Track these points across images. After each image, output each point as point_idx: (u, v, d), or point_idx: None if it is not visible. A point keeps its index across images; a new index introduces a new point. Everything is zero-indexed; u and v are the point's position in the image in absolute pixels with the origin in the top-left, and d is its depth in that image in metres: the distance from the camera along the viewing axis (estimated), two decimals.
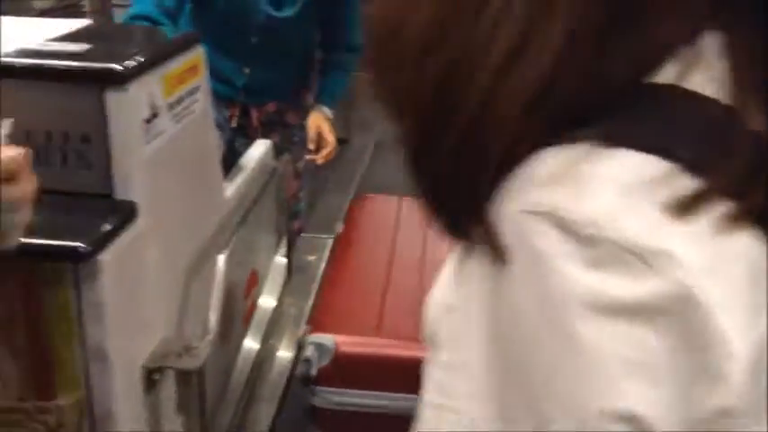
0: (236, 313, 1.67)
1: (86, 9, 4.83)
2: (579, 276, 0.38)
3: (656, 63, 0.44)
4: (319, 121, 2.30)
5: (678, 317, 0.37)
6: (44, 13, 4.39)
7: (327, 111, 2.34)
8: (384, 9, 0.48)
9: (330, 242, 2.39)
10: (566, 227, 0.38)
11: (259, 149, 1.96)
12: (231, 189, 1.67)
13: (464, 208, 0.45)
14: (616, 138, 0.41)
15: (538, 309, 0.39)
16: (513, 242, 0.40)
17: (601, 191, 0.39)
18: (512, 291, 0.40)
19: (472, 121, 0.43)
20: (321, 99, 2.37)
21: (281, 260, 2.07)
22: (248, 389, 1.72)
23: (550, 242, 0.39)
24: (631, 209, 0.38)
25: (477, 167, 0.44)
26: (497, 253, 0.41)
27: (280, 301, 2.00)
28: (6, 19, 1.48)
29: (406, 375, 1.50)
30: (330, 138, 2.29)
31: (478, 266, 0.43)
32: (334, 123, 2.41)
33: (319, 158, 2.28)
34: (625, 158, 0.40)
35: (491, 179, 0.43)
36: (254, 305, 1.82)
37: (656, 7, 0.43)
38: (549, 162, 0.41)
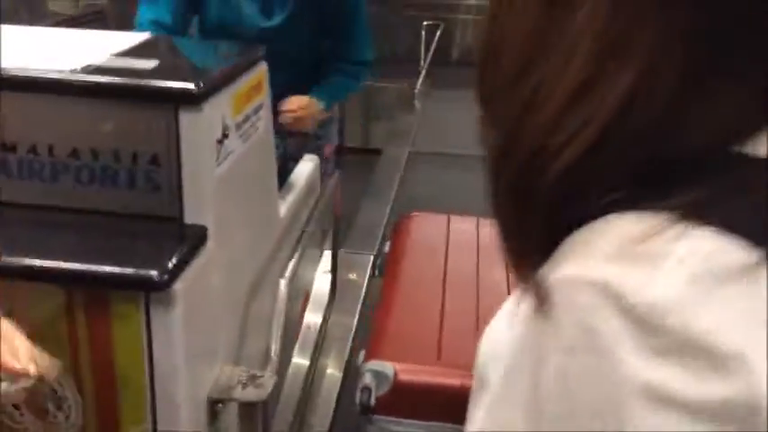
0: (292, 336, 1.63)
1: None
2: (639, 364, 0.35)
3: (748, 127, 0.39)
4: (300, 99, 2.05)
5: (742, 422, 0.34)
6: (70, 20, 4.37)
7: (316, 99, 2.10)
8: (488, 29, 0.45)
9: (371, 258, 2.35)
10: (629, 310, 0.35)
11: (307, 167, 1.91)
12: (284, 208, 1.62)
13: (520, 249, 0.43)
14: (699, 214, 0.36)
15: (588, 386, 0.36)
16: (565, 308, 0.37)
17: (673, 275, 0.35)
18: (558, 354, 0.38)
19: (529, 157, 0.40)
20: (313, 90, 2.13)
21: (325, 277, 2.02)
22: (299, 414, 1.67)
23: (609, 323, 0.36)
24: (704, 301, 0.35)
25: (530, 207, 0.41)
26: (542, 306, 0.38)
27: (325, 319, 1.95)
28: (61, 32, 1.44)
29: (466, 405, 1.45)
30: (304, 105, 2.03)
31: (529, 309, 0.40)
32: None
33: (286, 115, 1.96)
34: (706, 240, 0.36)
35: (546, 228, 0.40)
36: (300, 327, 1.78)
37: (748, 57, 0.38)
38: (619, 231, 0.37)
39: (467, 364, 1.64)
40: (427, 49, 4.75)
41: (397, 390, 1.46)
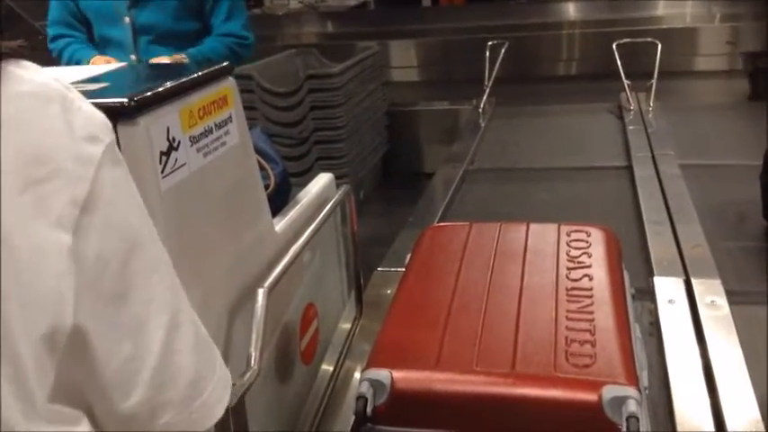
0: (291, 349, 1.63)
1: None
2: None
3: None
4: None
5: None
6: None
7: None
8: None
9: None
10: None
11: (319, 182, 1.93)
12: (283, 223, 1.64)
13: None
14: None
15: None
16: None
17: None
18: None
19: None
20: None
21: (348, 294, 2.02)
22: (315, 422, 1.66)
23: None
24: None
25: None
26: None
27: (349, 334, 1.95)
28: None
29: (466, 412, 1.40)
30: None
31: None
32: None
33: None
34: None
35: None
36: (315, 341, 1.77)
37: None
38: None
39: (465, 368, 1.58)
40: (491, 68, 4.71)
41: (396, 398, 1.43)
